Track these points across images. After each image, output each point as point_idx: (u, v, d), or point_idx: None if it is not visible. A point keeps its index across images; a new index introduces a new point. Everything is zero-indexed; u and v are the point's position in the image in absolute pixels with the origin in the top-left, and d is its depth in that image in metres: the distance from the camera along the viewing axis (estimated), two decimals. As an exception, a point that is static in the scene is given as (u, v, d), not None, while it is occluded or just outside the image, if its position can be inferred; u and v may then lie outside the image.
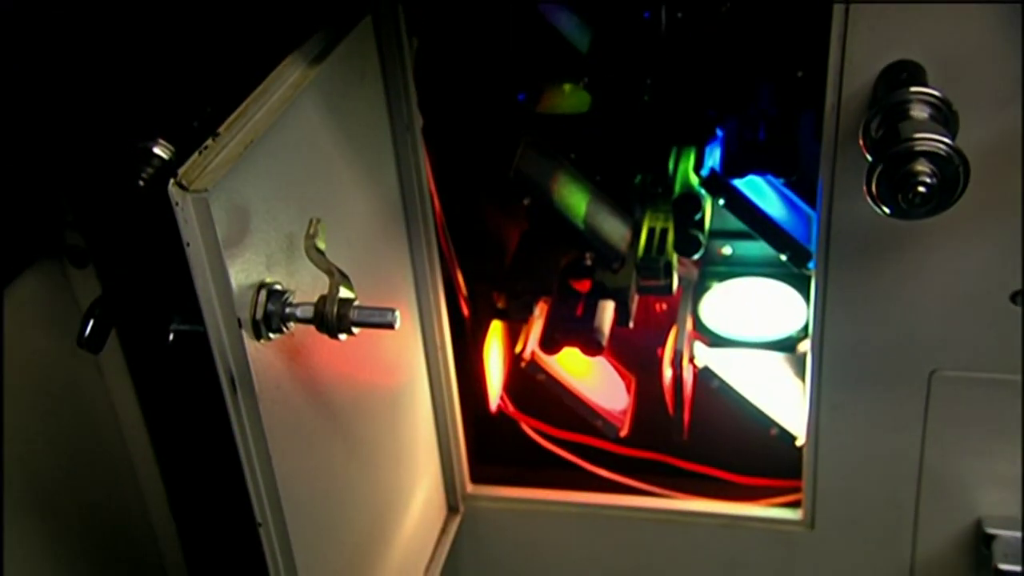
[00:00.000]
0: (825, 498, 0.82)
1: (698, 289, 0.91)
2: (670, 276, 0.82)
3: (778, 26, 0.69)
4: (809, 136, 0.75)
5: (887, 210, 0.55)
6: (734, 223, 0.91)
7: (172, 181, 0.49)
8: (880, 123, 0.57)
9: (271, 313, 0.53)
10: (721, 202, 0.78)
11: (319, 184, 0.62)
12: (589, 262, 0.81)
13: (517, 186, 0.79)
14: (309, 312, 0.53)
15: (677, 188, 0.80)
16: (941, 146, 0.52)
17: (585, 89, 0.75)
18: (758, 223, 0.79)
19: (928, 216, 0.54)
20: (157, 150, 0.59)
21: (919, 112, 0.56)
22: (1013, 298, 0.68)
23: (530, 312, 0.88)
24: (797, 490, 0.87)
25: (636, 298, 0.88)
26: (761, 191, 0.81)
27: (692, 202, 0.78)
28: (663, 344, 0.90)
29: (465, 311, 0.90)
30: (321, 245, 0.54)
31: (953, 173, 0.52)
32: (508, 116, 0.82)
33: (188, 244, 0.49)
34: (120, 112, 0.66)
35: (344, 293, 0.53)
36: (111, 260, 0.78)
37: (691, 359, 0.88)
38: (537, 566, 0.95)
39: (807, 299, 0.76)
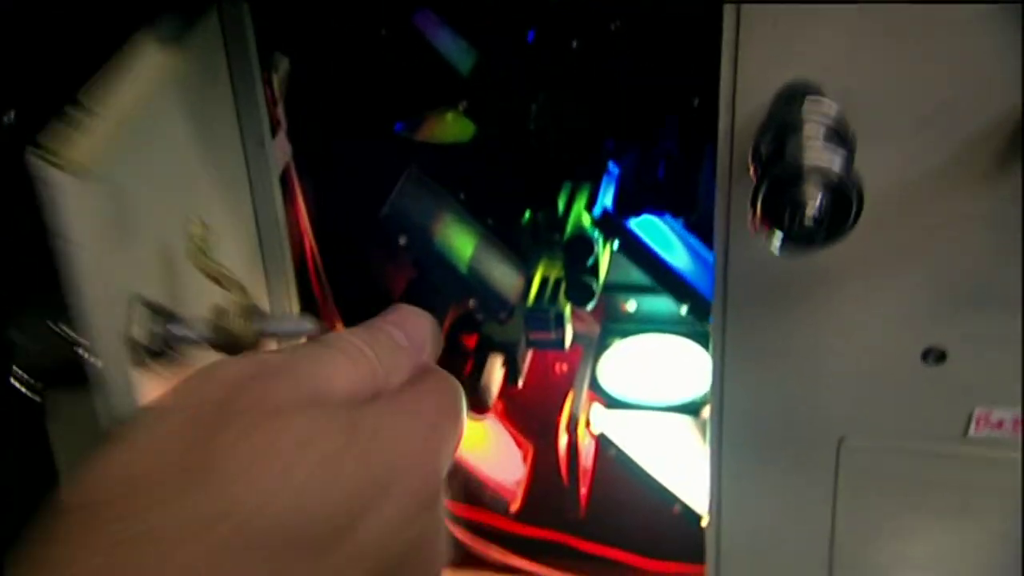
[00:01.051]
0: (730, 581, 0.74)
1: (599, 347, 0.84)
2: (562, 328, 0.75)
3: (670, 46, 0.63)
4: (712, 175, 0.70)
5: (776, 243, 0.48)
6: (639, 276, 0.84)
7: (31, 150, 0.39)
8: (770, 142, 0.50)
9: (155, 335, 0.44)
10: (615, 245, 0.71)
11: (180, 192, 0.53)
12: (475, 311, 0.74)
13: (393, 223, 0.72)
14: (205, 329, 0.44)
15: (569, 230, 0.73)
16: (831, 164, 0.46)
17: (465, 115, 0.69)
18: (655, 269, 0.72)
19: (822, 246, 0.47)
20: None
21: (812, 130, 0.49)
22: (924, 356, 0.61)
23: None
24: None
25: (527, 354, 0.81)
26: (663, 237, 0.74)
27: (584, 245, 0.71)
28: (563, 409, 0.83)
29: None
30: (207, 250, 0.45)
31: (843, 196, 0.46)
32: (388, 147, 0.76)
33: (64, 238, 0.39)
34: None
35: (249, 302, 0.45)
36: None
37: (588, 424, 0.81)
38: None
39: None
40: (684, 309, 0.73)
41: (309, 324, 0.44)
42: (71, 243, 0.39)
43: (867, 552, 0.69)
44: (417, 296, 0.85)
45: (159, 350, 0.44)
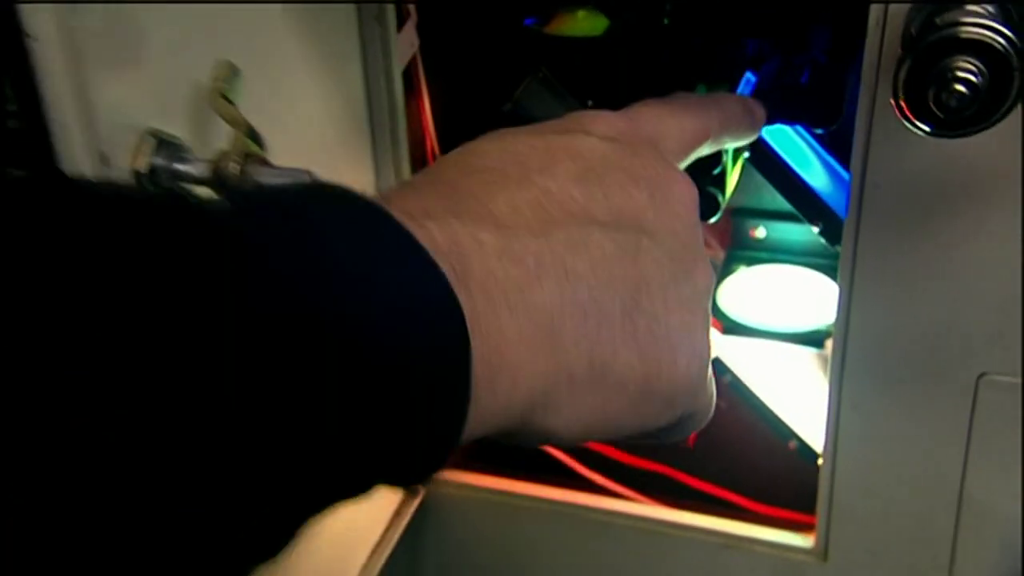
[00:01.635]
0: (842, 524, 0.70)
1: (722, 273, 0.80)
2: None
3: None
4: (859, 86, 0.65)
5: (922, 127, 0.44)
6: (770, 201, 0.80)
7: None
8: (924, 17, 0.46)
9: (157, 168, 0.44)
10: (746, 155, 0.68)
11: (254, 54, 0.53)
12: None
13: (514, 121, 0.70)
14: (206, 170, 0.44)
15: (698, 137, 0.70)
16: (993, 36, 0.41)
17: (598, 9, 0.66)
18: (787, 184, 0.68)
19: (974, 128, 0.43)
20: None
21: (973, 6, 0.45)
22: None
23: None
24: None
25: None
26: (799, 151, 0.70)
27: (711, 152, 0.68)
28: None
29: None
30: (232, 96, 0.45)
31: (1006, 71, 0.41)
32: (516, 42, 0.73)
33: (31, 36, 0.38)
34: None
35: (252, 149, 0.44)
36: None
37: (703, 348, 0.77)
38: (509, 566, 0.84)
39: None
40: (816, 229, 0.68)
41: (306, 179, 0.43)
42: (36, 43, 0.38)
43: (998, 502, 0.64)
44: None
45: (162, 184, 0.44)
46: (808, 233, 0.80)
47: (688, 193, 0.38)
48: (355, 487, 0.27)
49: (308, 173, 0.43)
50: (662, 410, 0.36)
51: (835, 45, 0.66)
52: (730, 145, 0.54)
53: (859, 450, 0.67)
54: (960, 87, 0.41)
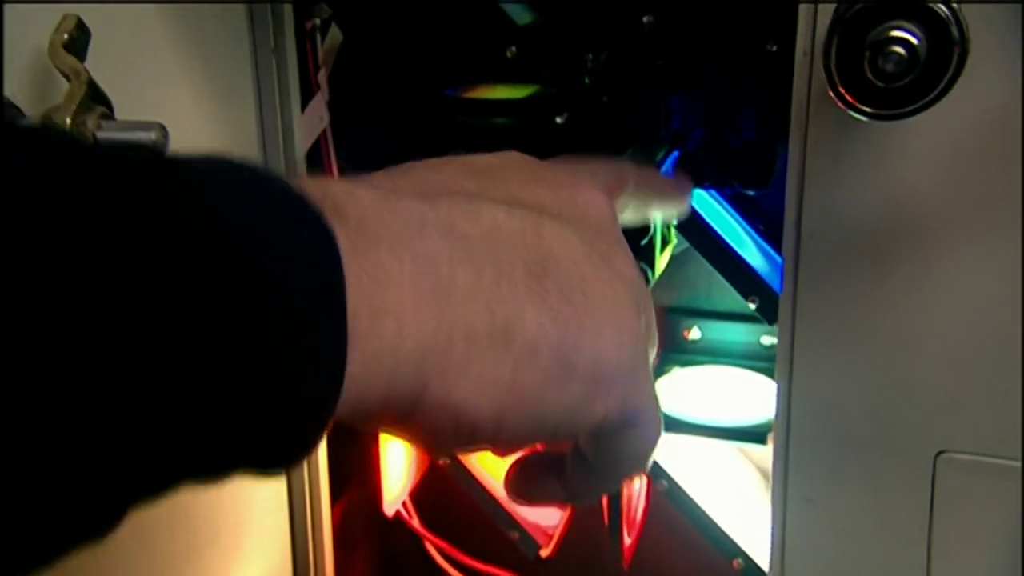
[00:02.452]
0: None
1: (655, 375, 0.75)
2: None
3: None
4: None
5: (864, 108, 0.41)
6: (704, 299, 0.76)
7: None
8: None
9: None
10: (675, 225, 0.64)
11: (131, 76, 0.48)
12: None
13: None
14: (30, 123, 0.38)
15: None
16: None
17: (515, 61, 0.63)
18: (720, 254, 0.64)
19: (916, 106, 0.40)
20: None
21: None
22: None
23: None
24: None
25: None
26: (734, 232, 0.66)
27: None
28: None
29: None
30: (76, 53, 0.40)
31: (945, 37, 0.38)
32: (430, 129, 0.71)
33: None
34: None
35: (91, 104, 0.39)
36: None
37: (635, 452, 0.71)
38: None
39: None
40: (752, 305, 0.64)
41: (154, 134, 0.37)
42: None
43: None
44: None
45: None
46: (744, 333, 0.75)
47: (601, 199, 0.35)
48: (208, 454, 0.22)
49: (158, 126, 0.37)
50: (590, 394, 0.30)
51: (761, 121, 0.64)
52: (657, 213, 0.50)
53: (812, 553, 0.59)
54: (897, 48, 0.38)
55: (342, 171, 0.72)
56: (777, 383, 0.57)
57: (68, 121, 0.37)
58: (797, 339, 0.57)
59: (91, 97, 0.37)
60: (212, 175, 0.23)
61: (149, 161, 0.22)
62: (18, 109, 0.38)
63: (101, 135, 0.37)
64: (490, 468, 0.75)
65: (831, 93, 0.41)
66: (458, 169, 0.33)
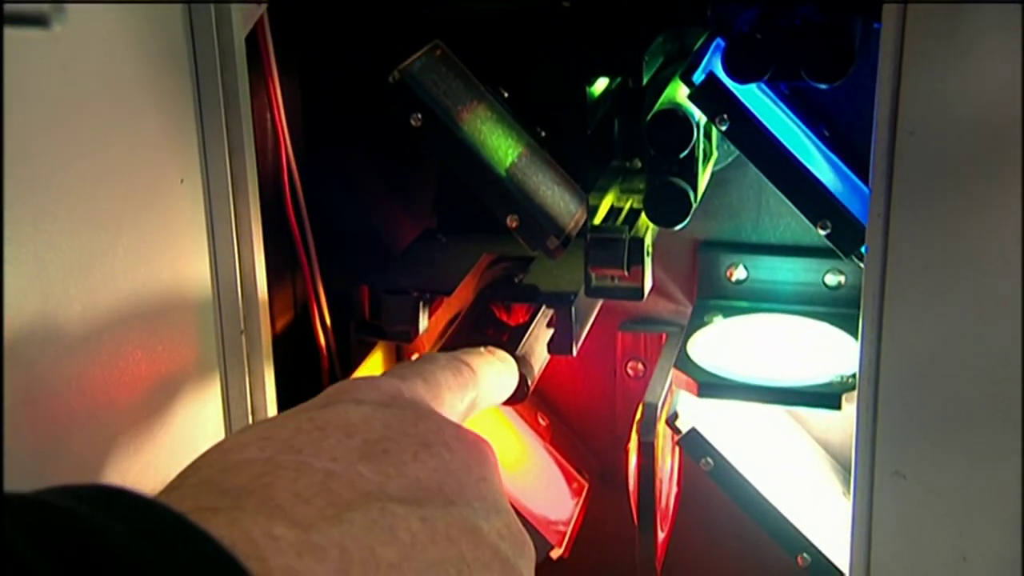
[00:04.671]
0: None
1: (691, 327, 0.63)
2: (639, 263, 0.54)
3: None
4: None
5: None
6: (751, 230, 0.64)
7: None
8: None
9: None
10: (723, 128, 0.51)
11: None
12: (514, 224, 0.54)
13: (403, 95, 0.54)
14: None
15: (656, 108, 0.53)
16: None
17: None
18: (779, 167, 0.52)
19: None
20: None
21: None
22: None
23: (413, 324, 0.59)
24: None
25: (591, 314, 0.60)
26: (798, 141, 0.54)
27: (675, 125, 0.51)
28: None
29: (320, 337, 0.61)
30: None
31: None
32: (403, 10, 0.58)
33: None
34: None
35: None
36: None
37: (670, 421, 0.59)
38: None
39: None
40: (823, 231, 0.51)
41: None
42: None
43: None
44: (430, 241, 0.65)
45: None
46: (803, 271, 0.63)
47: (486, 451, 0.38)
48: None
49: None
50: None
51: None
52: (487, 401, 0.49)
53: (903, 538, 0.48)
54: None
55: (283, 69, 0.60)
56: (862, 333, 0.46)
57: None
58: (890, 275, 0.45)
59: None
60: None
61: None
62: None
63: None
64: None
65: None
66: (347, 448, 0.34)
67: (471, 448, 0.37)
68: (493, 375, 0.48)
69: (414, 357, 0.46)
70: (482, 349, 0.50)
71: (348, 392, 0.38)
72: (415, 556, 0.31)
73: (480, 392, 0.46)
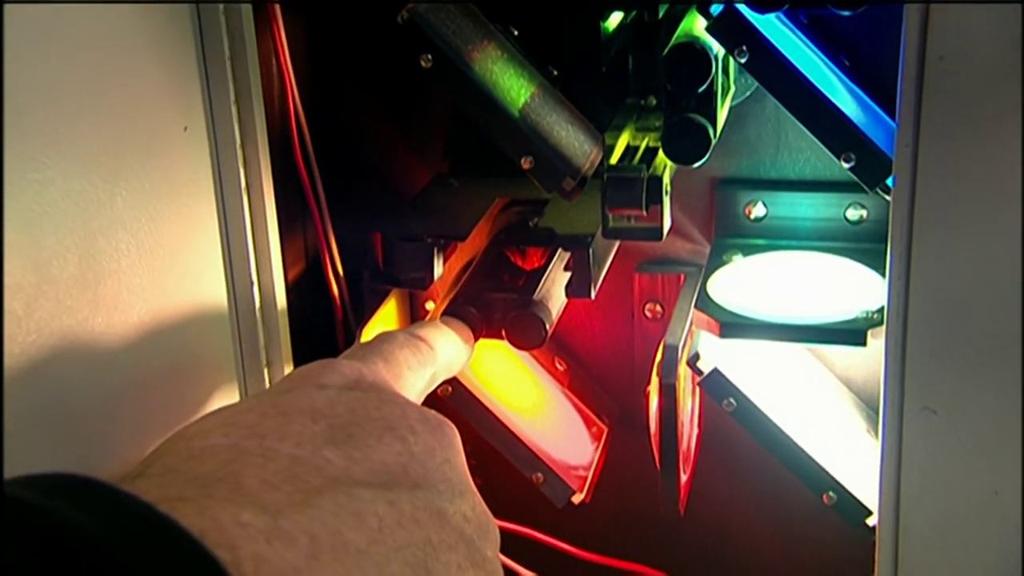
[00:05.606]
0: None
1: (711, 266, 0.62)
2: (657, 202, 0.53)
3: None
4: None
5: None
6: (769, 165, 0.63)
7: None
8: None
9: None
10: (742, 60, 0.50)
11: None
12: (528, 166, 0.54)
13: (412, 35, 0.53)
14: None
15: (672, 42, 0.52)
16: None
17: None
18: (801, 100, 0.51)
19: None
20: None
21: None
22: None
23: (428, 271, 0.59)
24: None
25: (608, 256, 0.60)
26: (819, 71, 0.53)
27: (694, 59, 0.50)
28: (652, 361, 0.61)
29: (333, 287, 0.61)
30: None
31: None
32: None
33: None
34: None
35: None
36: None
37: (691, 362, 0.58)
38: None
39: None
40: (847, 164, 0.51)
41: None
42: None
43: None
44: (443, 186, 0.65)
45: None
46: (823, 206, 0.63)
47: (450, 433, 0.39)
48: None
49: None
50: None
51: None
52: (445, 374, 0.50)
53: (933, 477, 0.48)
54: None
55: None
56: (890, 267, 0.45)
57: None
58: (918, 207, 0.44)
59: None
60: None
61: None
62: None
63: None
64: (503, 396, 0.64)
65: None
66: (313, 433, 0.34)
67: (435, 431, 0.37)
68: (450, 348, 0.50)
69: (372, 336, 0.47)
70: (437, 320, 0.52)
71: (310, 377, 0.38)
72: (383, 540, 0.31)
73: (438, 367, 0.47)
